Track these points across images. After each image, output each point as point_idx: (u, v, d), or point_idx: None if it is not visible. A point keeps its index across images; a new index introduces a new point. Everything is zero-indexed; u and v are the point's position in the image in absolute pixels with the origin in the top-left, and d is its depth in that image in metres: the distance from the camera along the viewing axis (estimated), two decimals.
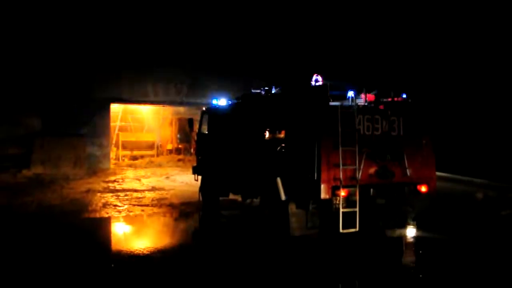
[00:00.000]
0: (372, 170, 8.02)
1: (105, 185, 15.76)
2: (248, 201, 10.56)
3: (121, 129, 25.99)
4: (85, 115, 20.01)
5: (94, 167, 19.59)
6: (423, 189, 8.41)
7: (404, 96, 8.86)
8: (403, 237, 8.80)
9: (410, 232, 8.91)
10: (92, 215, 10.98)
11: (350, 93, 8.07)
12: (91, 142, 20.09)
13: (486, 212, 10.90)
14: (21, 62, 18.72)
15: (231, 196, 11.32)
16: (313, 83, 8.52)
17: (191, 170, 12.83)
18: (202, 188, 11.78)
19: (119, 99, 21.19)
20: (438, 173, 8.82)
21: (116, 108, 24.00)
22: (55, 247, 8.13)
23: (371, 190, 8.22)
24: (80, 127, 19.86)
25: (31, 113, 19.26)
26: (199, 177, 12.01)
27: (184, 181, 16.26)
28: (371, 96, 8.53)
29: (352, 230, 7.60)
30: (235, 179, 10.34)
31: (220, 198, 11.50)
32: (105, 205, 12.10)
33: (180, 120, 25.69)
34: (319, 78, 8.51)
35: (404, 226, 8.82)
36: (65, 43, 19.20)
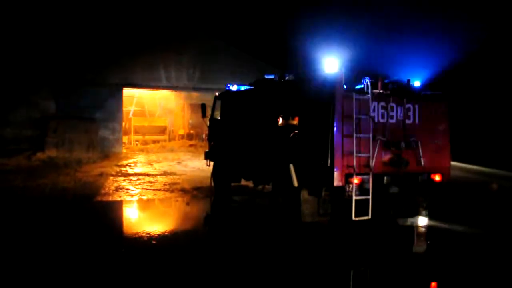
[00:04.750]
0: (386, 158, 7.95)
1: (117, 169, 15.88)
2: (260, 187, 10.55)
3: (134, 114, 26.14)
4: (98, 100, 20.16)
5: (107, 151, 19.77)
6: (437, 178, 8.32)
7: (420, 83, 8.72)
8: (415, 227, 8.75)
9: (422, 221, 8.85)
10: (104, 199, 11.07)
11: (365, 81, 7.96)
12: (104, 126, 20.27)
13: (500, 203, 10.79)
14: (36, 46, 18.85)
15: (243, 182, 11.34)
16: (327, 69, 8.42)
17: (202, 156, 12.85)
18: (214, 174, 11.79)
19: (131, 84, 21.29)
20: (453, 163, 8.71)
21: (130, 93, 24.09)
22: (67, 230, 8.23)
23: (385, 178, 8.13)
24: (93, 111, 20.03)
25: (46, 97, 19.48)
26: (211, 163, 12.02)
27: (196, 166, 16.32)
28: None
29: (365, 218, 7.55)
30: (247, 165, 10.33)
31: (232, 184, 11.52)
32: (117, 188, 12.19)
33: (192, 105, 25.75)
34: (335, 64, 8.40)
35: (416, 215, 8.76)
36: (79, 28, 19.25)
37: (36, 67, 19.01)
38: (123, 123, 22.59)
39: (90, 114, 19.91)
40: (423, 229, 8.73)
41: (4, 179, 12.99)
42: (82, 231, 8.14)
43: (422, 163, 8.18)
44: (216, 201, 11.32)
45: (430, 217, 8.88)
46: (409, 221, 8.75)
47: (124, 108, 22.36)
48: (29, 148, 18.22)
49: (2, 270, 6.09)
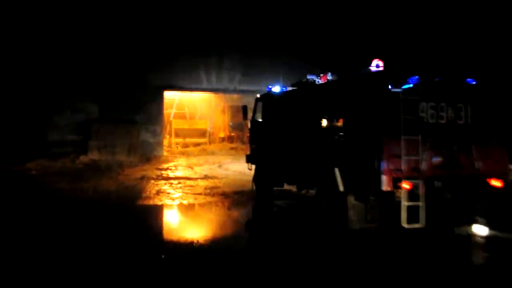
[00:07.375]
0: (437, 161, 7.48)
1: (158, 172, 15.92)
2: (304, 191, 10.25)
3: (175, 116, 26.29)
4: (140, 103, 20.38)
5: (148, 154, 19.90)
6: (493, 182, 7.77)
7: (472, 81, 8.19)
8: (471, 235, 8.15)
9: (480, 230, 8.23)
10: (146, 202, 11.05)
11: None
12: (145, 129, 20.47)
13: None
14: (80, 51, 19.25)
15: (286, 187, 11.04)
16: (373, 68, 8.05)
17: (243, 159, 12.66)
18: (255, 178, 11.58)
19: (172, 86, 21.41)
20: (511, 166, 8.12)
21: (171, 96, 24.25)
22: (109, 233, 8.17)
23: (436, 182, 7.67)
24: (135, 114, 20.27)
25: (90, 101, 19.90)
26: (253, 166, 11.80)
27: (237, 169, 16.16)
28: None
29: (417, 225, 7.11)
30: (290, 169, 10.04)
31: (274, 188, 11.25)
32: (158, 192, 12.16)
33: (232, 107, 25.62)
34: (380, 63, 8.02)
35: (472, 223, 8.18)
36: (122, 33, 19.54)
37: (80, 72, 19.44)
38: (164, 126, 22.74)
39: (132, 117, 20.15)
40: (481, 239, 8.12)
41: (50, 182, 13.25)
42: (123, 235, 8.07)
43: (476, 166, 7.66)
44: (257, 206, 11.09)
45: (488, 225, 8.28)
46: (465, 229, 8.17)
47: (165, 111, 22.52)
48: (73, 151, 18.62)
49: (49, 266, 6.07)
